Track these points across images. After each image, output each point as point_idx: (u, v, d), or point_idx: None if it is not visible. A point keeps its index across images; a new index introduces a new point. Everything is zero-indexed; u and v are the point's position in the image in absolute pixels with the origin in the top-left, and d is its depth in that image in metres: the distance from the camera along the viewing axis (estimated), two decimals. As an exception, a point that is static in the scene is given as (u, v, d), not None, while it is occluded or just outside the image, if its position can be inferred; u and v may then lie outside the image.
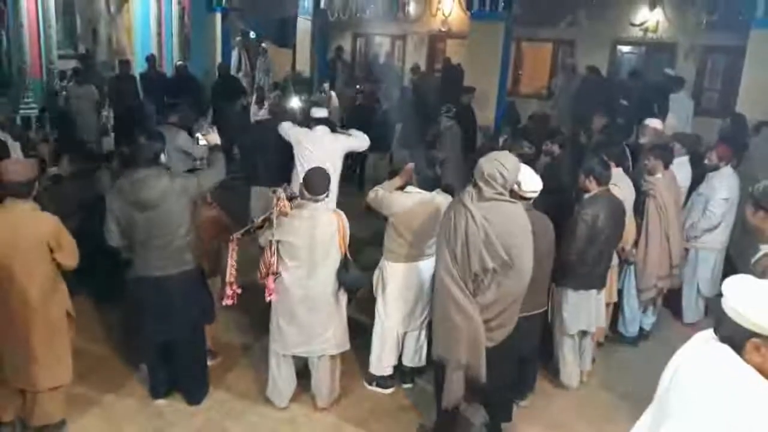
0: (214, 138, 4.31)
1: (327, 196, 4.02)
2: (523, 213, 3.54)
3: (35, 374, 3.64)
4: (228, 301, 4.06)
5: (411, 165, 4.30)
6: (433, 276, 4.14)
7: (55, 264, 3.64)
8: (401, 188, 4.31)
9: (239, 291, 4.05)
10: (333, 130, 6.13)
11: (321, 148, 5.75)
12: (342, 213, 4.07)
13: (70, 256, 3.67)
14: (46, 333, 3.64)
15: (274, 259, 3.94)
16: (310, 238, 3.90)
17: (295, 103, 8.52)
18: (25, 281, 3.52)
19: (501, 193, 3.42)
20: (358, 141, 5.99)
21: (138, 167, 3.87)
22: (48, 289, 3.62)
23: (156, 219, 3.82)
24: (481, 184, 3.41)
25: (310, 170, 4.12)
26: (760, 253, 3.13)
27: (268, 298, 3.99)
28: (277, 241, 3.94)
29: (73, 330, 3.86)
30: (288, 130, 5.96)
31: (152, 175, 3.81)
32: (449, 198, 4.26)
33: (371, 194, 4.37)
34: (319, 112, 6.16)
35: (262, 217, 4.02)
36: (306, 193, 3.94)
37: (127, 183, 3.86)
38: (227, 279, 4.03)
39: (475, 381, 3.53)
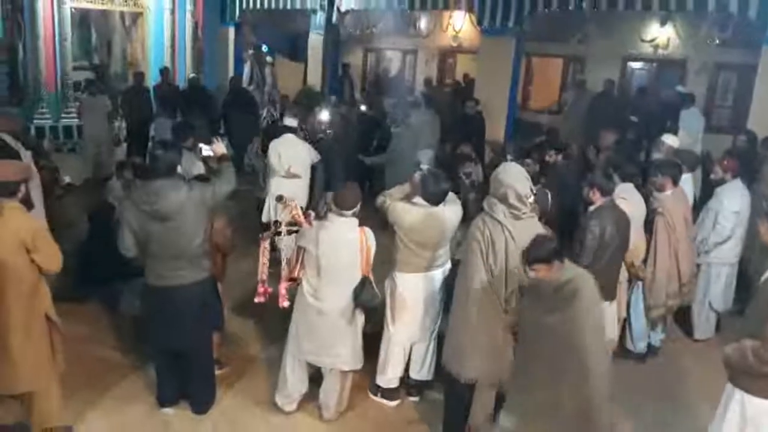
0: (221, 148, 4.32)
1: (355, 214, 4.01)
2: (541, 228, 3.63)
3: (12, 377, 3.60)
4: (260, 299, 4.09)
5: (417, 176, 4.30)
6: (447, 288, 4.15)
7: (36, 266, 3.58)
8: (409, 197, 4.31)
9: (270, 290, 4.07)
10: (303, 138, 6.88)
11: (291, 151, 6.46)
12: (369, 231, 4.05)
13: (49, 259, 3.61)
14: (23, 335, 3.58)
15: (297, 265, 3.97)
16: (331, 252, 3.92)
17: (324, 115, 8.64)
18: (1, 281, 3.48)
19: (531, 210, 3.54)
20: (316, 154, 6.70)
21: (154, 178, 3.87)
22: (26, 290, 3.56)
23: (173, 230, 3.83)
24: (515, 202, 3.48)
25: (342, 185, 4.17)
26: None
27: (281, 305, 4.01)
28: (303, 248, 3.96)
29: (58, 334, 3.77)
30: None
31: (169, 186, 3.81)
32: (456, 211, 4.26)
33: (380, 199, 4.36)
34: (290, 122, 6.86)
35: (287, 221, 4.06)
36: (333, 206, 3.96)
37: (143, 194, 3.86)
38: (259, 277, 4.04)
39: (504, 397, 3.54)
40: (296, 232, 4.10)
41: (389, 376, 4.45)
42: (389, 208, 4.23)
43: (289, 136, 6.61)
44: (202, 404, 4.28)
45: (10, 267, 3.50)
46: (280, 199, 4.07)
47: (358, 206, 4.02)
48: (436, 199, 4.17)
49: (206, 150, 4.32)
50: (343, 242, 3.94)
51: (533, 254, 3.17)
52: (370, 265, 4.03)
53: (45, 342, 3.72)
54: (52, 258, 3.65)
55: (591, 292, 3.21)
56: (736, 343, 3.16)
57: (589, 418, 3.12)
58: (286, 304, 4.03)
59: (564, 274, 3.18)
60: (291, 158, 6.42)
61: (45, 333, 3.71)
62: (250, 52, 14.25)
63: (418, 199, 4.24)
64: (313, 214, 4.13)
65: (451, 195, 4.32)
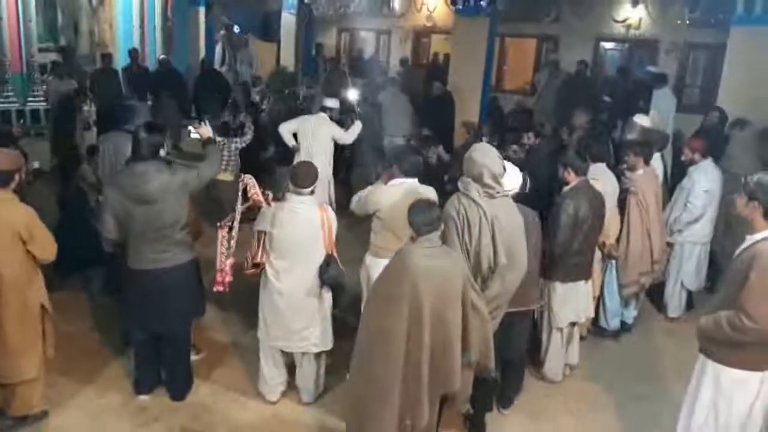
0: (207, 131, 4.27)
1: (312, 192, 4.00)
2: (515, 207, 3.73)
3: (9, 365, 3.62)
4: (219, 288, 4.07)
5: (388, 172, 4.36)
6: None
7: (31, 256, 3.59)
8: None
9: (230, 278, 4.06)
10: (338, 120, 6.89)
11: (313, 134, 6.50)
12: (329, 208, 4.03)
13: (44, 248, 3.62)
14: (19, 326, 3.60)
15: (259, 249, 3.94)
16: (292, 232, 3.88)
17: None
18: None
19: (504, 189, 3.62)
20: (345, 134, 6.70)
21: (138, 161, 3.83)
22: (22, 280, 3.57)
23: (154, 213, 3.80)
24: (489, 181, 3.55)
25: (296, 163, 4.16)
26: (748, 242, 3.16)
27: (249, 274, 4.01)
28: (263, 232, 3.93)
29: (50, 323, 3.80)
30: (287, 126, 6.65)
31: (152, 169, 3.78)
32: (431, 190, 4.28)
33: (353, 200, 4.36)
34: (332, 103, 6.87)
35: (245, 205, 4.01)
36: (290, 185, 3.93)
37: (126, 177, 3.83)
38: (217, 266, 4.02)
39: (484, 377, 3.58)
40: (253, 219, 4.05)
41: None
42: (366, 199, 4.22)
43: (321, 115, 6.72)
44: (179, 390, 4.26)
45: (6, 258, 3.48)
46: (238, 176, 4.02)
47: (316, 183, 4.01)
48: (413, 167, 4.22)
49: (194, 133, 4.28)
50: (302, 221, 3.91)
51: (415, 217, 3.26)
52: (333, 243, 4.02)
53: (39, 332, 3.73)
54: (47, 247, 3.65)
55: (397, 262, 3.27)
56: (711, 315, 3.23)
57: None
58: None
59: (407, 247, 3.29)
60: (311, 136, 6.52)
61: (39, 323, 3.72)
62: (222, 32, 14.03)
63: (393, 181, 4.25)
64: (270, 194, 4.08)
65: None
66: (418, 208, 3.28)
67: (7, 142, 6.16)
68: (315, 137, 6.54)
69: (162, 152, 3.92)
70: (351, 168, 8.73)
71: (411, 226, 3.27)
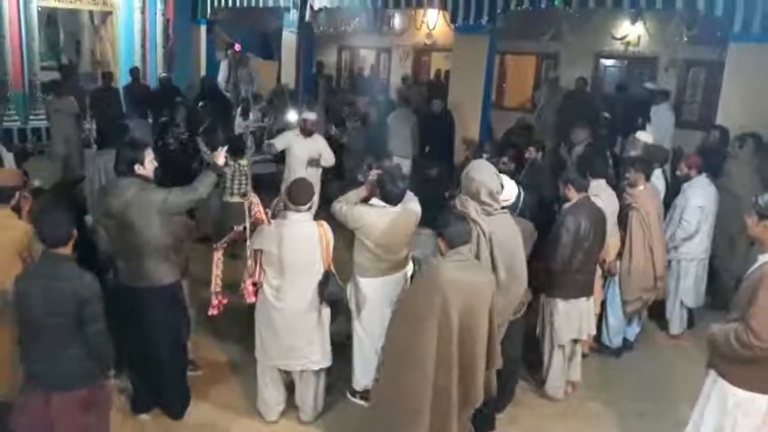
0: (219, 159, 4.14)
1: (310, 208, 3.99)
2: (513, 222, 3.74)
3: (12, 383, 3.58)
4: (213, 311, 4.05)
5: (374, 175, 4.19)
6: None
7: None
8: (366, 200, 4.20)
9: (225, 301, 4.05)
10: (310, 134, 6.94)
11: (301, 148, 6.81)
12: (326, 224, 4.02)
13: None
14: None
15: (257, 267, 3.93)
16: (290, 249, 3.87)
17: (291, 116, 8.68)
18: None
19: (501, 206, 3.64)
20: (328, 157, 6.99)
21: (117, 176, 3.88)
22: None
23: (123, 228, 3.79)
24: (486, 199, 3.57)
25: (293, 180, 4.14)
26: (760, 262, 3.15)
27: (249, 301, 3.99)
28: (259, 250, 3.92)
29: None
30: (279, 140, 6.95)
31: (120, 185, 3.78)
32: (415, 209, 4.24)
33: (335, 205, 4.25)
34: (309, 115, 7.01)
35: (242, 225, 3.99)
36: (288, 203, 3.93)
37: (101, 192, 3.93)
38: (212, 288, 4.00)
39: (488, 393, 3.56)
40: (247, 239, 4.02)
41: (364, 380, 4.35)
42: (347, 214, 4.11)
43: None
44: (176, 409, 4.23)
45: (5, 276, 3.43)
46: (243, 195, 3.99)
47: (313, 200, 4.01)
48: (394, 198, 4.09)
49: (213, 158, 4.23)
50: (302, 238, 3.89)
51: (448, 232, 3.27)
52: (330, 257, 3.99)
53: None
54: None
55: (426, 278, 3.34)
56: (723, 326, 3.20)
57: None
58: (253, 299, 3.99)
59: (436, 260, 3.32)
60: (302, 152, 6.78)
61: None
62: (229, 51, 14.12)
63: (375, 201, 4.14)
64: (270, 212, 4.07)
65: (409, 194, 4.24)
66: (450, 219, 3.29)
67: (23, 160, 6.23)
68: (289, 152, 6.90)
69: (140, 169, 3.83)
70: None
71: (442, 238, 3.26)
